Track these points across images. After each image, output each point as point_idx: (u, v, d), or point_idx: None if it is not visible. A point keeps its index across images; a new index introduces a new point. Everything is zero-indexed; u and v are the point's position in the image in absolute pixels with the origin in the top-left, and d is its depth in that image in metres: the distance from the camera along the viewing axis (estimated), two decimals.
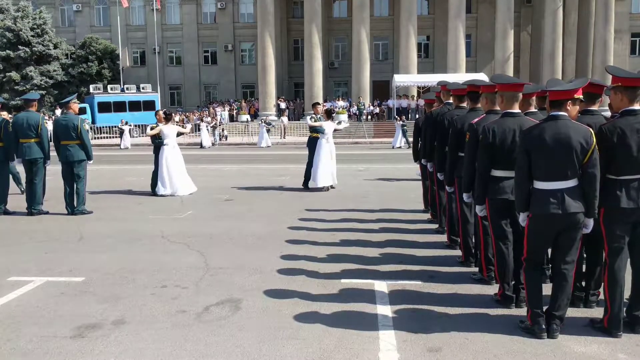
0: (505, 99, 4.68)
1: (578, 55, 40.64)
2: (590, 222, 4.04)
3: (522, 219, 4.16)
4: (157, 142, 11.45)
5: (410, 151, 9.88)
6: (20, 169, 9.91)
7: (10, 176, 10.32)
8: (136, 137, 32.81)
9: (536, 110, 5.35)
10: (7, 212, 9.44)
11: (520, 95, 4.75)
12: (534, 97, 5.31)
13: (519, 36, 42.79)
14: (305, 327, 4.31)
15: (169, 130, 11.46)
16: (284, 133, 34.47)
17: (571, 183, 3.96)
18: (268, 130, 30.13)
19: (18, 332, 4.30)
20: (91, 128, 31.32)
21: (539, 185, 4.01)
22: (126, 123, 31.30)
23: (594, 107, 4.64)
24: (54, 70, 41.51)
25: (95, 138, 31.93)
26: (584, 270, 4.78)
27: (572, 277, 4.16)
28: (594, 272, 4.64)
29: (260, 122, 32.23)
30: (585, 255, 4.78)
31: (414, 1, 38.28)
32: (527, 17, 43.49)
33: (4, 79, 40.40)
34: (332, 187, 11.89)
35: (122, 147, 29.79)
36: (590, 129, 3.98)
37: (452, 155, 5.93)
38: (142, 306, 4.83)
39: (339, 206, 9.80)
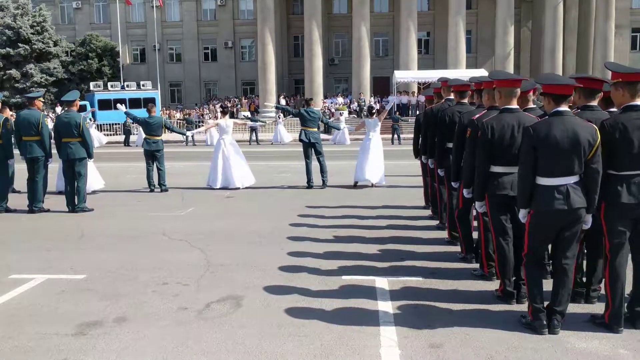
0: (503, 95, 4.67)
1: (578, 51, 40.58)
2: (590, 218, 4.05)
3: (523, 215, 4.15)
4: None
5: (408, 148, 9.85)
6: (23, 166, 9.86)
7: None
8: (137, 134, 32.64)
9: (534, 106, 5.34)
10: (8, 210, 9.45)
11: (519, 91, 4.74)
12: (531, 93, 5.30)
13: (519, 32, 42.71)
14: (306, 324, 4.31)
15: (225, 124, 12.16)
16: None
17: (574, 178, 3.97)
18: (253, 129, 28.43)
19: (19, 329, 4.30)
20: (95, 125, 31.16)
21: (543, 181, 3.99)
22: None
23: (594, 103, 4.63)
24: (54, 68, 41.49)
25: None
26: (584, 266, 4.79)
27: (573, 272, 4.16)
28: (595, 267, 4.64)
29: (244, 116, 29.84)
30: (585, 250, 4.78)
31: None
32: (527, 13, 43.41)
33: (4, 77, 40.39)
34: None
35: (136, 144, 29.48)
36: (595, 126, 3.98)
37: (457, 151, 5.80)
38: (144, 303, 4.83)
39: (339, 203, 9.80)
